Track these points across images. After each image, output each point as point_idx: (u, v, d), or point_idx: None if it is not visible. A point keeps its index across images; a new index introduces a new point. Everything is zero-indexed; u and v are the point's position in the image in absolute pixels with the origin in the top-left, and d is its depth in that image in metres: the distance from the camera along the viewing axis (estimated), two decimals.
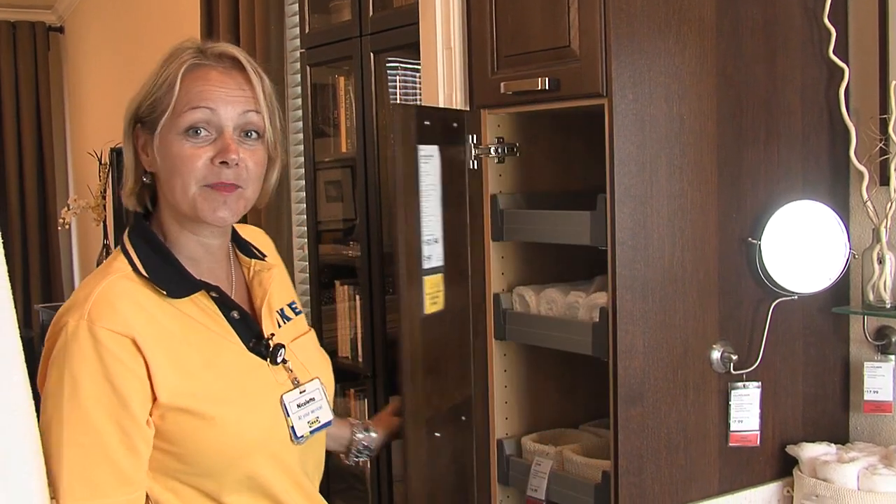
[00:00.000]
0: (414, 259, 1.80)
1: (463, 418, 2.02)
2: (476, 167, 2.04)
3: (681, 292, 1.86)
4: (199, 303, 1.46)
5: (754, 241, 1.93)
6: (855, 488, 1.90)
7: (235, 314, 1.49)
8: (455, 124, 1.99)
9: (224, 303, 1.48)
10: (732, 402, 1.94)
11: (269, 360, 1.50)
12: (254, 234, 1.63)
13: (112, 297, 1.38)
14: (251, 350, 1.49)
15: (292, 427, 1.47)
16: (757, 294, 1.97)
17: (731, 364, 1.92)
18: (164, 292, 1.42)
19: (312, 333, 1.64)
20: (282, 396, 1.48)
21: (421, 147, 1.85)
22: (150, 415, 1.38)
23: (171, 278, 1.43)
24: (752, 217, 1.94)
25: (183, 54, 1.43)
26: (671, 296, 1.85)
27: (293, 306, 1.63)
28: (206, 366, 1.42)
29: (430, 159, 1.85)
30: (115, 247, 1.48)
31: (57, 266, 6.59)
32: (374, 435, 1.83)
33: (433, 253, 1.86)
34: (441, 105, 2.06)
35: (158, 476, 1.42)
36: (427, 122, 1.88)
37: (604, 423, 2.20)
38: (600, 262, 1.84)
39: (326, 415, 1.54)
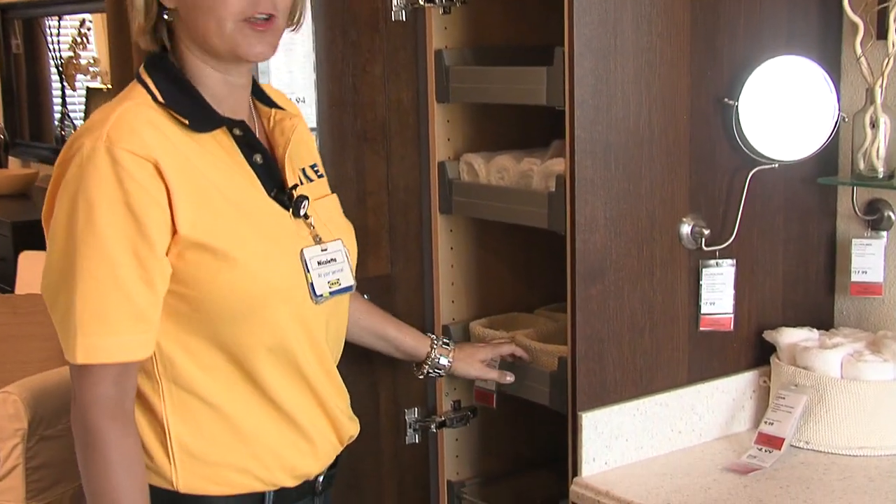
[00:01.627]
0: None
1: None
2: (405, 18, 2.22)
3: (647, 159, 2.05)
4: (222, 141, 1.64)
5: (731, 102, 2.10)
6: (838, 377, 2.11)
7: (258, 158, 1.67)
8: None
9: (248, 143, 1.66)
10: (704, 282, 2.15)
11: (291, 210, 1.68)
12: (270, 89, 1.83)
13: (132, 119, 1.55)
14: (273, 198, 1.67)
15: (311, 284, 1.65)
16: (733, 161, 2.16)
17: (703, 239, 2.10)
18: (186, 122, 1.58)
19: (335, 199, 1.84)
20: (302, 250, 1.66)
21: None
22: (168, 252, 1.55)
23: (193, 111, 1.60)
24: (730, 75, 2.11)
25: None
26: (636, 162, 2.03)
27: (315, 168, 1.84)
28: (226, 203, 1.59)
29: None
30: None
31: None
32: (447, 361, 2.15)
33: None
34: None
35: (171, 328, 1.59)
36: None
37: (561, 307, 2.38)
38: (558, 125, 2.01)
39: (348, 279, 1.73)
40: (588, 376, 2.05)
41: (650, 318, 2.12)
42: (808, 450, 2.14)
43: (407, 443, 2.40)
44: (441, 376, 2.20)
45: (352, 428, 1.82)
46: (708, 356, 2.21)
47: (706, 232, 2.12)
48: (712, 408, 2.22)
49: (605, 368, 2.07)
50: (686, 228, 2.13)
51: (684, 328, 2.16)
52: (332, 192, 1.87)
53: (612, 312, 2.06)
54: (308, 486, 1.76)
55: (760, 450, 2.10)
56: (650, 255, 2.10)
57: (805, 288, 2.36)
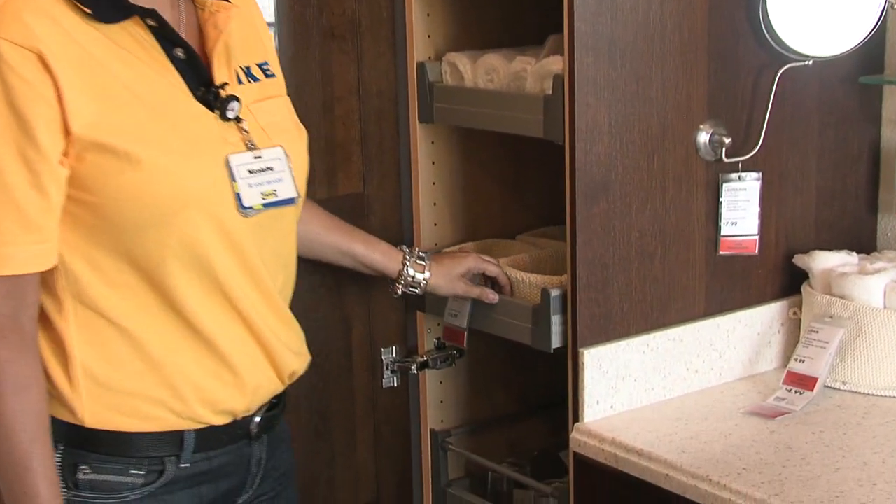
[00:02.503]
0: None
1: None
2: None
3: (659, 56, 2.04)
4: (135, 33, 1.63)
5: None
6: (880, 306, 2.12)
7: (180, 52, 1.66)
8: None
9: (166, 36, 1.65)
10: (724, 199, 2.15)
11: (218, 112, 1.68)
12: None
13: (20, 7, 1.55)
14: (198, 99, 1.67)
15: (238, 194, 1.66)
16: (759, 58, 2.15)
17: (724, 149, 2.11)
18: (89, 11, 1.58)
19: (286, 101, 1.84)
20: (228, 157, 1.67)
21: None
22: (67, 155, 1.56)
23: None
24: None
25: None
26: (646, 60, 2.03)
27: (265, 67, 1.82)
28: (135, 100, 1.60)
29: None
30: None
31: None
32: (423, 278, 2.17)
33: None
34: None
35: (74, 239, 1.60)
36: None
37: (547, 231, 2.47)
38: (555, 20, 2.00)
39: (288, 190, 1.73)
40: (590, 307, 2.06)
41: (662, 240, 2.12)
42: (845, 391, 2.16)
43: (384, 386, 2.41)
44: (419, 295, 2.21)
45: (294, 363, 1.82)
46: (729, 284, 2.22)
47: (727, 141, 2.12)
48: (734, 343, 2.23)
49: (609, 299, 2.08)
50: (704, 137, 2.13)
51: (701, 252, 2.17)
52: (287, 95, 1.86)
53: (617, 234, 2.07)
54: (240, 429, 1.77)
55: (790, 391, 2.11)
56: (662, 167, 2.10)
57: (842, 205, 2.36)
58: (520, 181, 2.54)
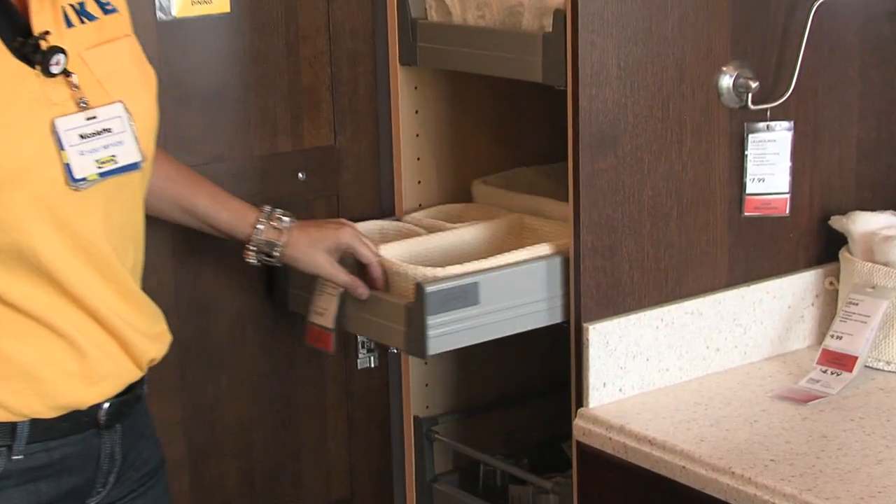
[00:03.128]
0: None
1: None
2: None
3: None
4: None
5: None
6: None
7: None
8: None
9: None
10: (750, 152, 2.16)
11: (39, 68, 1.62)
12: None
13: None
14: (15, 53, 1.61)
15: (68, 164, 1.60)
16: None
17: (750, 95, 2.11)
18: None
19: (129, 42, 1.77)
20: (54, 121, 1.61)
21: None
22: None
23: None
24: None
25: None
26: None
27: (105, 4, 1.75)
28: None
29: None
30: None
31: None
32: (278, 246, 2.08)
33: None
34: None
35: None
36: None
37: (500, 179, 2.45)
38: None
39: (131, 154, 1.67)
40: (596, 277, 2.06)
41: (678, 200, 2.12)
42: (889, 371, 2.17)
43: (359, 367, 2.41)
44: (276, 265, 2.14)
45: (152, 349, 1.79)
46: (755, 250, 2.23)
47: (754, 85, 2.12)
48: (761, 318, 2.23)
49: (618, 266, 2.08)
50: (727, 81, 2.13)
51: (723, 213, 2.18)
52: (130, 34, 1.79)
53: (627, 193, 2.07)
54: (86, 416, 1.71)
55: (825, 372, 2.12)
56: (678, 116, 2.10)
57: (887, 160, 2.36)
58: (516, 133, 2.53)
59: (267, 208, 2.11)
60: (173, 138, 2.12)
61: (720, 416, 2.03)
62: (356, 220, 2.24)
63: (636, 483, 1.99)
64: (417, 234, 2.26)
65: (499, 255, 2.10)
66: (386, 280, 2.13)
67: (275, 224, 2.09)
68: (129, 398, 1.77)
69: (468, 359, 2.51)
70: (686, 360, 2.16)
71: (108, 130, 1.66)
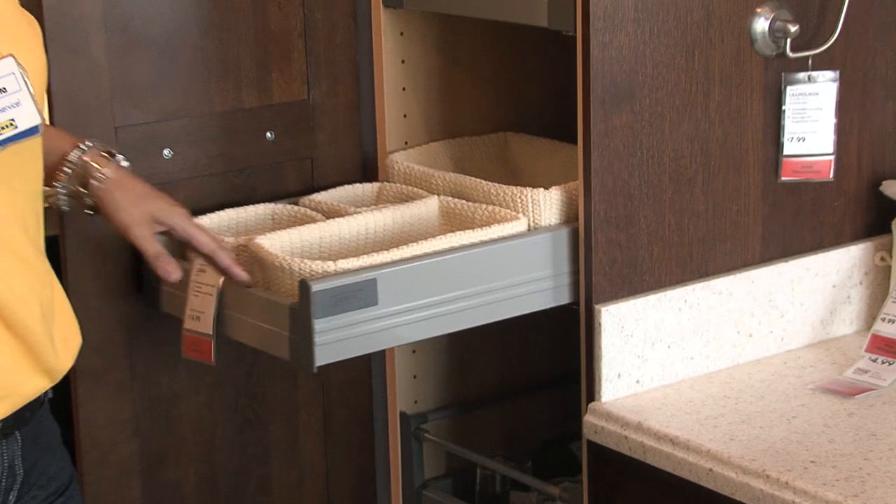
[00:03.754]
0: None
1: None
2: None
3: None
4: None
5: None
6: None
7: None
8: None
9: None
10: (788, 107, 2.14)
11: None
12: None
13: None
14: None
15: None
16: None
17: (789, 41, 2.10)
18: None
19: None
20: None
21: None
22: None
23: None
24: None
25: None
26: None
27: None
28: None
29: None
30: None
31: None
32: (102, 175, 1.94)
33: None
34: None
35: None
36: None
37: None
38: None
39: (30, 117, 1.64)
40: (610, 251, 2.06)
41: (704, 162, 2.12)
42: None
43: None
44: (86, 206, 2.01)
45: (61, 358, 1.75)
46: (793, 220, 2.23)
47: (793, 29, 2.11)
48: (800, 299, 2.23)
49: (635, 239, 2.08)
50: (762, 24, 2.12)
51: (757, 178, 2.17)
52: None
53: (645, 155, 2.06)
54: None
55: (874, 361, 2.12)
56: (705, 66, 2.09)
57: None
58: (517, 87, 2.52)
59: (89, 142, 1.98)
60: (119, 92, 2.11)
61: (753, 412, 2.02)
62: (331, 187, 2.25)
63: (656, 488, 1.99)
64: (314, 221, 2.20)
65: (404, 247, 2.03)
66: (264, 276, 2.06)
67: (104, 154, 1.98)
68: (28, 404, 1.73)
69: (463, 346, 2.51)
70: (713, 348, 2.15)
71: (2, 90, 1.62)
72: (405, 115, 2.40)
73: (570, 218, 2.14)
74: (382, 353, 2.44)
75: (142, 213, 1.97)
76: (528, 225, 2.10)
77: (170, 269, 1.97)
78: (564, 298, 2.13)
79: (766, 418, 1.99)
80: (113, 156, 1.98)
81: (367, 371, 2.46)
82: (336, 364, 2.24)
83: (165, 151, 2.18)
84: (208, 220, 2.20)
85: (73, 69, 2.09)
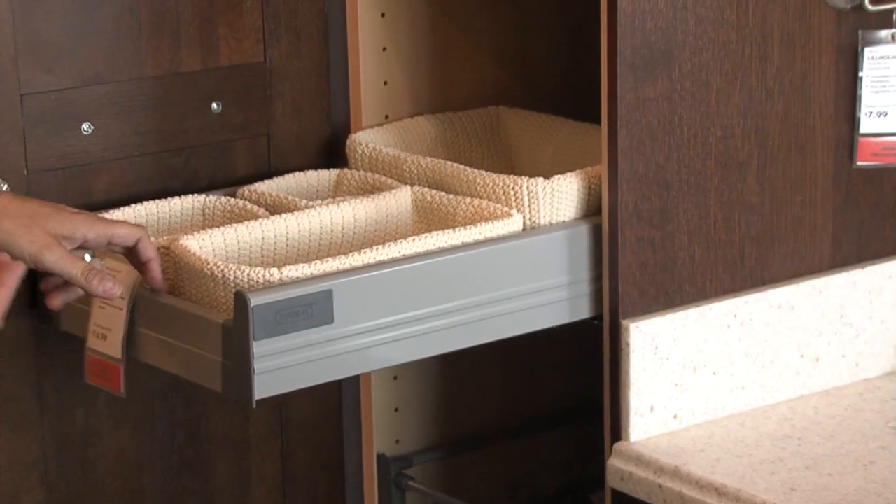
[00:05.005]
0: None
1: None
2: None
3: None
4: None
5: None
6: None
7: None
8: None
9: None
10: (866, 74, 2.16)
11: None
12: None
13: None
14: None
15: None
16: None
17: None
18: None
19: None
20: None
21: None
22: None
23: None
24: None
25: None
26: None
27: None
28: None
29: None
30: None
31: None
32: None
33: None
34: None
35: None
36: None
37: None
38: None
39: None
40: (640, 253, 2.07)
41: (760, 142, 2.12)
42: None
43: None
44: None
45: None
46: (872, 216, 2.24)
47: None
48: (880, 314, 2.26)
49: (672, 238, 2.09)
50: None
51: (826, 163, 2.18)
52: None
53: (686, 133, 2.07)
54: None
55: None
56: (762, 20, 2.10)
57: None
58: (525, 49, 2.54)
59: None
60: (26, 51, 2.10)
61: (819, 456, 2.03)
62: (287, 173, 2.26)
63: None
64: (254, 216, 2.19)
65: (367, 251, 2.01)
66: (191, 286, 2.04)
67: None
68: None
69: (455, 373, 2.51)
70: (770, 375, 2.16)
71: None
72: (385, 83, 2.41)
73: (588, 212, 2.13)
74: (355, 380, 2.44)
75: (42, 235, 1.96)
76: (524, 223, 2.09)
77: (110, 286, 1.97)
78: (584, 312, 2.12)
79: (838, 464, 1.99)
80: None
81: (336, 402, 2.46)
82: (298, 393, 2.24)
83: (84, 125, 2.18)
84: (121, 213, 2.17)
85: None
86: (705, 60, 2.05)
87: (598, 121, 2.05)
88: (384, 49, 2.39)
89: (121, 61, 2.21)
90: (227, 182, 2.28)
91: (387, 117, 2.41)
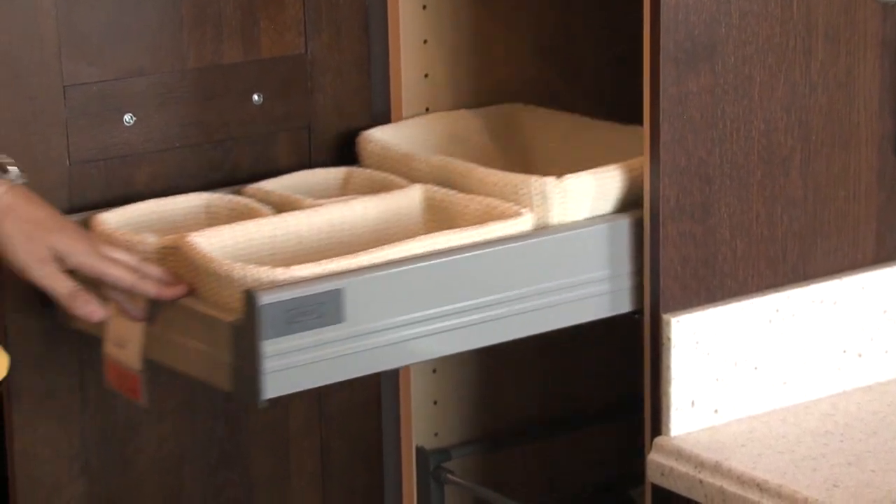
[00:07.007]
0: None
1: None
2: None
3: None
4: None
5: None
6: None
7: None
8: None
9: None
10: None
11: None
12: None
13: None
14: None
15: None
16: None
17: None
18: None
19: None
20: None
21: None
22: None
23: None
24: None
25: None
26: None
27: None
28: None
29: None
30: None
31: None
32: None
33: None
34: None
35: None
36: None
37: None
38: None
39: None
40: (682, 248, 2.07)
41: (803, 137, 2.13)
42: None
43: None
44: None
45: None
46: None
47: None
48: None
49: (714, 233, 2.09)
50: None
51: (871, 156, 2.18)
52: None
53: (729, 127, 2.07)
54: None
55: None
56: (806, 14, 2.10)
57: None
58: (567, 42, 2.54)
59: None
60: (69, 42, 2.11)
61: (862, 452, 2.02)
62: (328, 166, 2.27)
63: None
64: (260, 215, 2.18)
65: (377, 249, 2.00)
66: (199, 285, 2.03)
67: None
68: None
69: (496, 365, 2.51)
70: (812, 370, 2.16)
71: None
72: (426, 76, 2.42)
73: (627, 206, 2.13)
74: (395, 373, 2.44)
75: (40, 248, 1.98)
76: (535, 222, 2.07)
77: (91, 309, 1.99)
78: (624, 307, 2.13)
79: (881, 460, 1.99)
80: (5, 170, 1.98)
81: (375, 394, 2.47)
82: (336, 386, 2.25)
83: (126, 117, 2.19)
84: (121, 213, 2.16)
85: (9, 16, 2.09)
86: (748, 54, 2.05)
87: (640, 115, 2.04)
88: (425, 41, 2.39)
89: (163, 53, 2.21)
90: (269, 174, 2.27)
91: (427, 110, 2.41)
